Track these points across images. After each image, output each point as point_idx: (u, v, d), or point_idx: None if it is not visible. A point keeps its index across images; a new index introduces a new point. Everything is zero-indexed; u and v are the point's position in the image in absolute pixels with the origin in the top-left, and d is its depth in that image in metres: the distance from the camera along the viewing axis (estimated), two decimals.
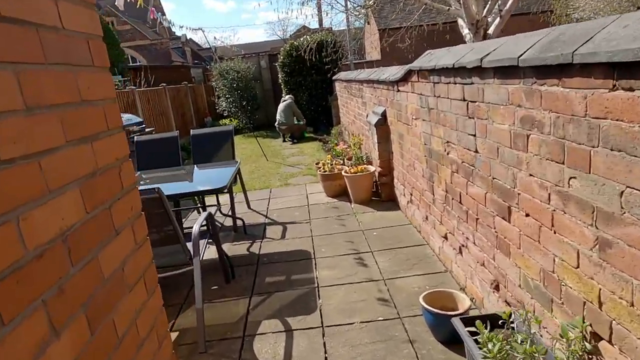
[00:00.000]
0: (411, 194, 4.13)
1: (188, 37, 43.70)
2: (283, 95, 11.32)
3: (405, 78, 3.74)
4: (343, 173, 5.10)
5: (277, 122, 10.39)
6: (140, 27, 39.18)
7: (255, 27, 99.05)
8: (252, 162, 8.32)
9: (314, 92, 10.96)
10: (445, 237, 3.20)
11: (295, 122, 10.21)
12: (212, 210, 4.69)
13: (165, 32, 45.46)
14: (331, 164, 5.71)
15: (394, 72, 4.25)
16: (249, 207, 5.31)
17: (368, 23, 22.44)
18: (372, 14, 18.36)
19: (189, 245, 2.65)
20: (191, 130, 5.15)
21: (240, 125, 12.74)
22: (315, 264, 3.57)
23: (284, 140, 10.42)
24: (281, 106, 10.35)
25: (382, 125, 4.77)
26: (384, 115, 4.76)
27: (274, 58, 12.94)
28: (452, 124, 2.75)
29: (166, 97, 10.33)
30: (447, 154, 2.94)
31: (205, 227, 3.17)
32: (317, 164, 5.97)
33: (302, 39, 10.95)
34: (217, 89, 12.88)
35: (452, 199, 2.94)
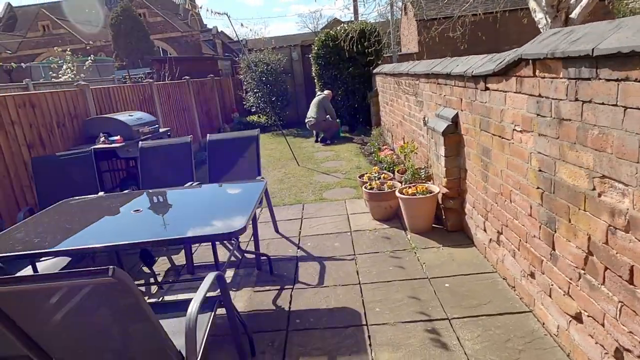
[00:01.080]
0: (499, 232, 2.99)
1: (219, 30, 43.29)
2: (317, 90, 10.25)
3: (504, 71, 2.59)
4: (397, 193, 3.99)
5: (306, 118, 9.37)
6: (172, 19, 38.96)
7: (286, 19, 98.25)
8: (281, 167, 7.31)
9: (350, 87, 9.83)
10: (578, 319, 2.06)
11: (324, 120, 9.09)
12: (230, 244, 3.70)
13: (197, 24, 45.26)
14: (379, 178, 4.61)
15: (478, 63, 3.10)
16: (276, 230, 4.29)
17: (405, 14, 21.09)
18: (412, 4, 17.08)
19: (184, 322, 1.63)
20: (208, 136, 4.17)
21: (268, 123, 11.77)
22: (369, 336, 2.50)
23: (317, 141, 9.37)
24: (314, 101, 9.33)
25: (452, 134, 3.63)
26: (454, 120, 3.62)
27: (307, 49, 11.87)
28: (622, 149, 1.61)
29: (189, 92, 9.46)
30: (599, 195, 1.80)
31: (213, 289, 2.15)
32: (361, 177, 4.88)
33: (339, 27, 9.82)
34: (245, 83, 11.94)
35: (607, 269, 1.80)
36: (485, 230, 3.28)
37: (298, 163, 7.38)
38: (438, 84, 4.11)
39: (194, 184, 3.77)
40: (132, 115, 5.25)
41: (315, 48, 10.05)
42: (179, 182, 3.80)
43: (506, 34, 15.12)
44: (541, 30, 5.91)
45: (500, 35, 14.69)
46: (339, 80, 9.88)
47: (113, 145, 4.64)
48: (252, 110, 11.78)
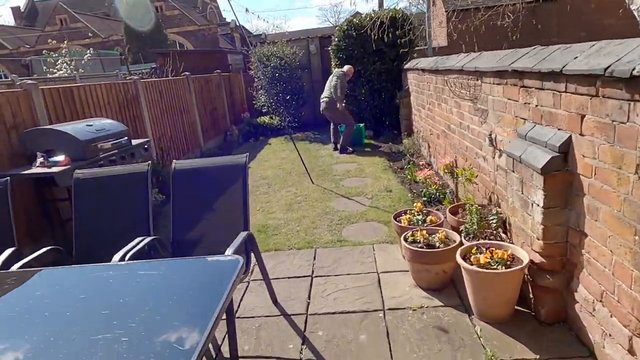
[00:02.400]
0: None
1: (238, 24, 42.20)
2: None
3: None
4: (460, 260, 2.56)
5: (321, 98, 7.93)
6: (190, 12, 38.03)
7: (308, 14, 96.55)
8: (291, 185, 5.94)
9: (376, 85, 8.37)
10: None
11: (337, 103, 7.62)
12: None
13: (216, 17, 44.28)
14: (424, 222, 3.20)
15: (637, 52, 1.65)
16: (274, 302, 2.93)
17: (434, 4, 19.41)
18: None
19: None
20: (174, 163, 2.82)
21: (281, 124, 10.42)
22: None
23: (335, 149, 7.95)
24: (330, 77, 7.92)
25: (559, 171, 2.20)
26: (564, 150, 2.18)
27: (327, 41, 10.45)
28: None
29: (189, 89, 8.19)
30: None
31: None
32: (397, 217, 3.44)
33: (364, 15, 8.37)
34: (256, 79, 10.61)
35: None
36: (631, 350, 1.84)
37: (312, 180, 6.00)
38: (523, 87, 2.66)
39: (145, 241, 2.45)
40: (90, 125, 3.94)
41: (336, 39, 8.61)
42: (127, 236, 2.48)
43: (548, 26, 13.38)
44: None
45: (540, 28, 12.95)
46: (362, 77, 8.43)
47: (50, 170, 3.34)
48: (263, 110, 10.43)
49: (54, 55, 11.53)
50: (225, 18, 45.42)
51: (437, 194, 4.49)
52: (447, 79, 4.54)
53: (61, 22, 36.80)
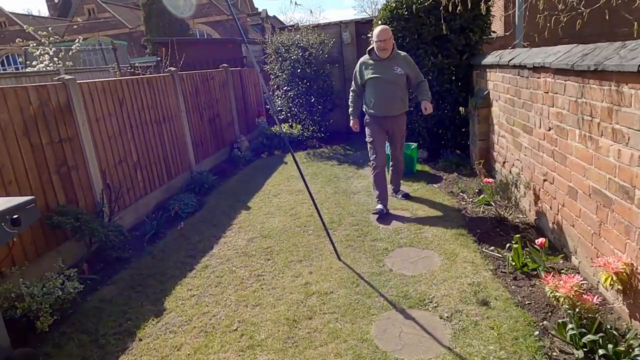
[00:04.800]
0: None
1: (270, 14, 40.13)
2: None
3: None
4: None
5: (371, 106, 4.43)
6: (219, 1, 36.24)
7: (343, 6, 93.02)
8: (302, 260, 3.57)
9: (436, 87, 5.83)
10: None
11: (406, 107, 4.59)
12: None
13: (247, 6, 42.32)
14: None
15: None
16: None
17: None
18: None
19: None
20: None
21: (305, 135, 8.07)
22: None
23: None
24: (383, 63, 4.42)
25: None
26: None
27: (365, 28, 7.97)
28: None
29: (175, 91, 5.98)
30: None
31: None
32: None
33: None
34: (272, 77, 8.29)
35: None
36: None
37: (337, 252, 3.61)
38: None
39: None
40: None
41: (379, 23, 6.11)
42: None
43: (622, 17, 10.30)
44: None
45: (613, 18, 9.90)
46: None
47: None
48: (281, 116, 8.09)
49: (33, 46, 9.58)
50: (257, 8, 43.52)
51: (605, 342, 2.02)
52: (620, 89, 2.03)
53: (89, 12, 35.92)
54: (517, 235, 3.15)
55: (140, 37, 31.43)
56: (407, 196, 4.79)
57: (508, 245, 3.22)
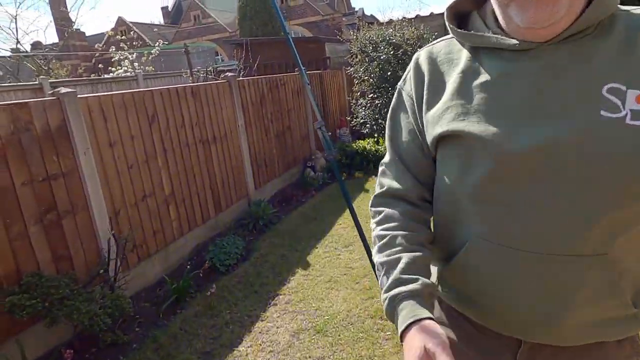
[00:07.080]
0: None
1: (368, 13, 38.77)
2: None
3: None
4: None
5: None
6: (315, 1, 35.82)
7: (444, 0, 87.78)
8: None
9: None
10: None
11: None
12: None
13: (344, 5, 41.41)
14: None
15: None
16: None
17: None
18: None
19: None
20: None
21: None
22: None
23: None
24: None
25: None
26: None
27: None
28: None
29: (233, 102, 4.86)
30: None
31: None
32: None
33: None
34: (356, 81, 6.86)
35: None
36: None
37: None
38: None
39: None
40: None
41: None
42: None
43: None
44: None
45: None
46: None
47: None
48: (364, 130, 6.61)
49: (120, 52, 9.32)
50: (354, 7, 42.47)
51: None
52: None
53: (194, 18, 37.86)
54: None
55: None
56: None
57: None
